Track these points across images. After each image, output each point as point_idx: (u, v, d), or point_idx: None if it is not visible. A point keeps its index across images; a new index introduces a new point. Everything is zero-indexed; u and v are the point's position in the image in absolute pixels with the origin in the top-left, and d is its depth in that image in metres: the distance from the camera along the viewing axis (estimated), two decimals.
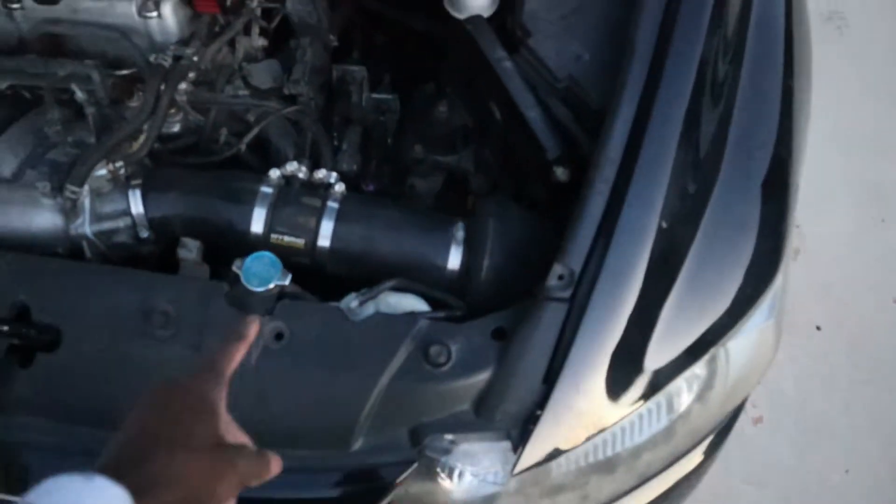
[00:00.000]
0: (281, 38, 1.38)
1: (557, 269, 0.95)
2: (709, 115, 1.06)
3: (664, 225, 0.98)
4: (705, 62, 1.05)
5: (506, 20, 1.19)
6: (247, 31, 1.31)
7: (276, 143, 1.27)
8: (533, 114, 1.10)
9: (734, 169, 1.04)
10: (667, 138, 1.01)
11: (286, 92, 1.28)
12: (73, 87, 1.15)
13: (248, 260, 1.00)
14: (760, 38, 1.11)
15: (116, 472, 0.58)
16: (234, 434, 0.71)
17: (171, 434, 0.65)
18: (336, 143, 1.35)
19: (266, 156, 1.28)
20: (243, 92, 1.27)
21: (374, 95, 1.42)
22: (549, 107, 1.13)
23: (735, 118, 1.06)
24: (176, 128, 1.24)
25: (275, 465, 0.71)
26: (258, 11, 1.29)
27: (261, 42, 1.34)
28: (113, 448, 0.63)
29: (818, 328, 2.13)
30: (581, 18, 1.14)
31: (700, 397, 1.06)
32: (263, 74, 1.31)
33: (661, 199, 0.98)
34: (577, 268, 0.95)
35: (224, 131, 1.27)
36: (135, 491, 0.57)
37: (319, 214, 1.10)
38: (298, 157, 1.25)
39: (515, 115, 1.12)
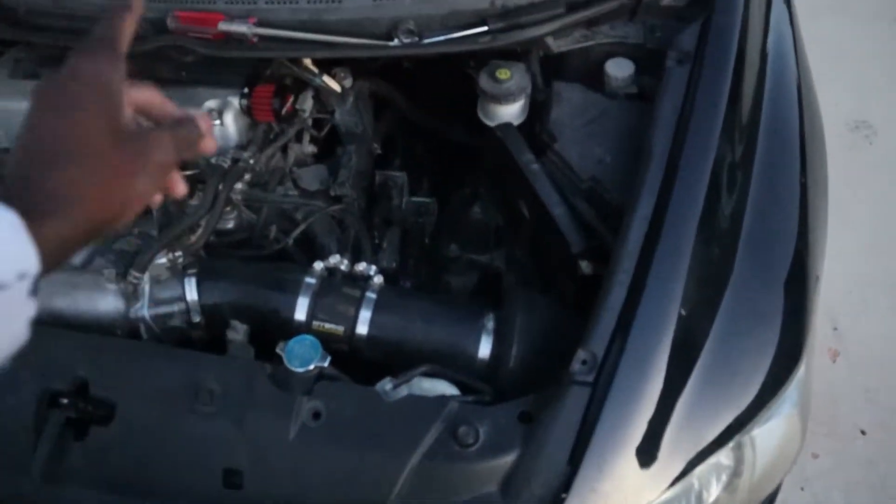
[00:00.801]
0: (329, 145, 1.51)
1: (581, 354, 0.99)
2: (723, 210, 1.12)
3: (683, 313, 1.03)
4: (718, 160, 1.13)
5: (534, 126, 1.29)
6: (298, 138, 1.44)
7: (321, 240, 1.37)
8: (559, 211, 1.18)
9: (750, 260, 1.10)
10: (683, 232, 1.07)
11: (332, 193, 1.39)
12: None
13: (291, 342, 1.07)
14: (772, 135, 1.19)
15: (6, 195, 0.50)
16: (138, 110, 0.63)
17: (67, 139, 0.55)
18: (377, 241, 1.44)
19: (311, 250, 1.37)
20: (293, 192, 1.38)
21: (414, 199, 1.52)
22: (573, 205, 1.20)
23: (749, 213, 1.12)
24: (230, 224, 1.35)
25: (202, 122, 0.65)
26: (310, 121, 1.42)
27: (311, 149, 1.46)
28: (9, 169, 0.54)
29: (863, 432, 2.09)
30: (602, 125, 1.23)
31: (728, 486, 1.07)
32: (312, 178, 1.42)
33: (680, 289, 1.04)
34: (600, 353, 1.00)
35: (274, 228, 1.37)
36: (33, 215, 0.50)
37: (358, 304, 1.18)
38: (341, 252, 1.34)
39: (543, 212, 1.20)
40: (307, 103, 1.39)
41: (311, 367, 1.06)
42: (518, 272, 1.39)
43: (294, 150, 1.44)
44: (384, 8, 1.23)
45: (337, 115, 1.44)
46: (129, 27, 0.64)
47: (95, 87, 0.58)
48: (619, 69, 1.27)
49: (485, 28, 1.23)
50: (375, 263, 1.37)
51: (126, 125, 0.60)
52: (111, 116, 0.58)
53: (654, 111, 1.17)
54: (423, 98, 1.55)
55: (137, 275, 1.18)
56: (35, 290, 0.50)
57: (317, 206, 1.34)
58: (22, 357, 0.53)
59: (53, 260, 0.52)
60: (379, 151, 1.53)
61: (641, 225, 1.08)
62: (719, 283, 1.07)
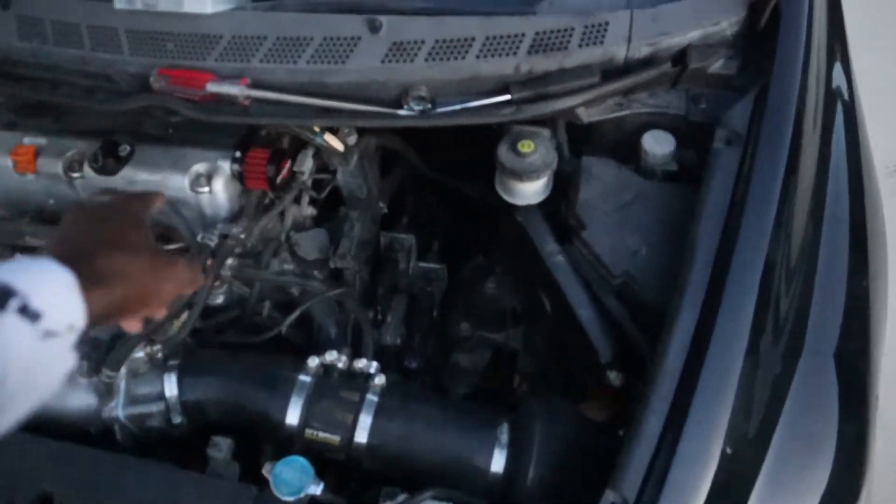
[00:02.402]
0: (330, 203, 1.37)
1: (610, 496, 0.86)
2: (778, 323, 0.98)
3: (728, 451, 0.89)
4: (773, 263, 0.98)
5: (559, 205, 1.15)
6: (297, 199, 1.30)
7: (319, 321, 1.23)
8: (586, 314, 1.04)
9: (807, 383, 0.95)
10: (732, 351, 0.93)
11: (332, 266, 1.26)
12: None
13: (279, 466, 0.95)
14: (832, 237, 1.04)
15: (63, 259, 0.59)
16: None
17: (112, 237, 0.67)
18: (380, 315, 1.31)
19: (308, 332, 1.24)
20: (288, 266, 1.25)
21: (422, 264, 1.39)
22: (602, 303, 1.07)
23: (807, 326, 0.98)
24: (220, 299, 1.22)
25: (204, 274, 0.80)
26: (309, 182, 1.28)
27: (310, 211, 1.33)
28: (56, 244, 0.65)
29: None
30: (637, 210, 1.09)
31: None
32: (310, 245, 1.29)
33: (726, 421, 0.90)
34: (632, 497, 0.86)
35: (268, 304, 1.24)
36: (83, 281, 0.58)
37: (357, 409, 1.05)
38: (340, 339, 1.22)
39: (567, 310, 1.07)
40: (306, 164, 1.25)
41: (302, 495, 0.93)
42: (535, 357, 1.25)
43: (291, 213, 1.30)
44: (393, 70, 1.09)
45: (339, 176, 1.30)
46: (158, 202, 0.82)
47: (133, 212, 0.75)
48: (657, 144, 1.12)
49: (507, 97, 1.09)
50: (378, 340, 1.25)
51: (159, 249, 0.74)
52: (146, 235, 0.73)
53: (700, 202, 1.02)
54: (435, 149, 1.40)
55: (111, 374, 1.05)
56: (77, 345, 0.57)
57: (315, 288, 1.20)
58: None
59: (92, 323, 0.59)
60: (385, 211, 1.39)
61: (683, 340, 0.94)
62: (771, 412, 0.92)
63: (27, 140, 1.25)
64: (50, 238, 0.68)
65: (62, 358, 0.57)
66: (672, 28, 1.09)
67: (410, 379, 1.29)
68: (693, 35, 1.10)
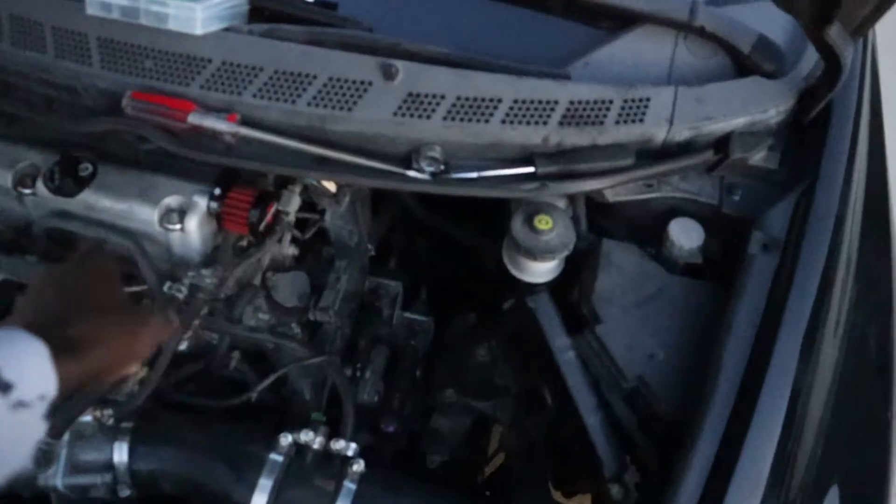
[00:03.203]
0: (313, 240, 1.24)
1: None
2: (803, 456, 0.90)
3: None
4: (802, 393, 0.90)
5: (572, 288, 1.05)
6: (278, 238, 1.17)
7: (294, 383, 1.12)
8: (592, 420, 0.95)
9: None
10: (755, 485, 0.85)
11: (311, 317, 1.14)
12: None
13: None
14: (857, 364, 0.97)
15: (34, 328, 0.59)
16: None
17: (83, 301, 0.67)
18: (359, 371, 1.19)
19: (280, 391, 1.13)
20: (263, 315, 1.12)
21: (407, 314, 1.28)
22: (610, 405, 0.97)
23: (833, 461, 0.91)
24: (184, 345, 1.09)
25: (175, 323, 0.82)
26: (293, 220, 1.15)
27: (291, 250, 1.20)
28: (27, 313, 0.65)
29: None
30: (658, 308, 0.99)
31: None
32: (289, 290, 1.16)
33: None
34: None
35: (236, 356, 1.12)
36: (55, 350, 0.59)
37: (333, 500, 0.94)
38: (315, 404, 1.10)
39: (571, 410, 0.97)
40: (292, 203, 1.11)
41: None
42: (522, 440, 1.16)
43: (271, 251, 1.16)
44: (406, 125, 0.96)
45: (327, 218, 1.17)
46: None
47: (102, 270, 0.75)
48: (685, 236, 1.02)
49: (531, 169, 0.97)
50: (355, 398, 1.14)
51: (130, 304, 0.76)
52: (118, 292, 0.74)
53: (730, 311, 0.93)
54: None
55: (50, 441, 0.92)
56: (49, 414, 0.57)
57: (292, 349, 1.08)
58: None
59: (63, 393, 0.59)
60: (373, 253, 1.27)
61: (699, 473, 0.86)
62: None
63: None
64: (20, 302, 0.68)
65: (32, 427, 0.57)
66: (717, 112, 0.99)
67: (385, 442, 1.18)
68: (738, 122, 1.00)
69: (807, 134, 1.04)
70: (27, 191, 1.06)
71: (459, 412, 1.23)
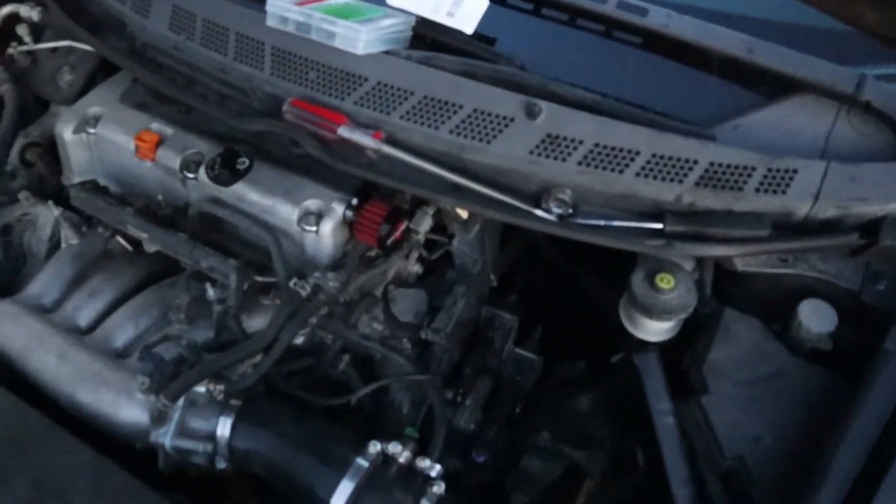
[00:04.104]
0: (439, 260, 1.27)
1: None
2: None
3: None
4: None
5: (683, 354, 1.01)
6: (406, 253, 1.21)
7: (394, 396, 1.15)
8: (682, 492, 0.91)
9: None
10: None
11: (423, 336, 1.16)
12: (207, 286, 1.10)
13: None
14: None
15: None
16: None
17: None
18: (461, 397, 1.21)
19: (380, 401, 1.16)
20: (377, 325, 1.16)
21: (518, 350, 1.28)
22: (704, 481, 0.93)
23: None
24: (300, 340, 1.15)
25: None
26: (422, 240, 1.19)
27: (416, 268, 1.24)
28: None
29: None
30: (773, 390, 0.94)
31: None
32: (407, 305, 1.20)
33: None
34: None
35: (345, 359, 1.17)
36: None
37: None
38: (411, 419, 1.13)
39: (662, 478, 0.94)
40: (424, 223, 1.15)
41: None
42: (611, 501, 1.12)
43: (396, 265, 1.21)
44: (541, 165, 0.97)
45: (455, 243, 1.20)
46: None
47: None
48: (817, 319, 0.96)
49: (659, 226, 0.95)
50: (453, 423, 1.15)
51: None
52: None
53: (852, 410, 0.87)
54: None
55: (167, 403, 1.00)
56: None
57: (398, 363, 1.12)
58: None
59: None
60: (494, 284, 1.29)
61: None
62: None
63: (154, 126, 1.22)
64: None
65: None
66: (871, 193, 0.93)
67: (473, 471, 1.19)
68: (894, 207, 0.93)
69: None
70: (191, 175, 1.17)
71: (552, 457, 1.20)
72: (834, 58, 1.00)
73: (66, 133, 1.25)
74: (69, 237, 1.24)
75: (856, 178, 0.93)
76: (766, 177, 0.93)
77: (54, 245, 1.27)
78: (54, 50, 1.38)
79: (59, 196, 1.29)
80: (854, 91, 0.95)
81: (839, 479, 0.84)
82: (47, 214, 1.27)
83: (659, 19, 1.02)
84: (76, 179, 1.27)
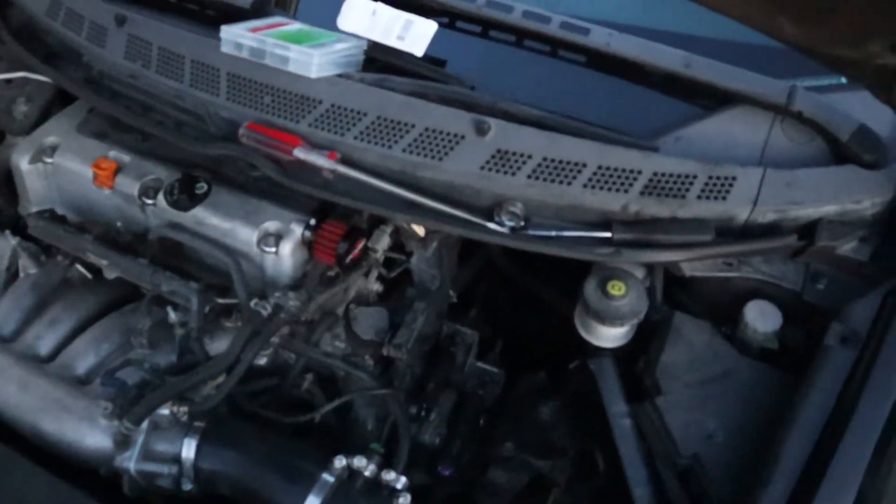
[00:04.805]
0: (399, 278, 1.30)
1: None
2: None
3: None
4: (866, 499, 0.85)
5: (637, 358, 1.05)
6: (365, 272, 1.23)
7: (358, 412, 1.16)
8: (641, 492, 0.94)
9: None
10: None
11: (385, 352, 1.18)
12: (169, 310, 1.10)
13: None
14: None
15: None
16: None
17: None
18: (424, 410, 1.22)
19: (344, 418, 1.17)
20: (340, 343, 1.18)
21: (480, 364, 1.30)
22: (662, 480, 0.96)
23: None
24: (262, 360, 1.16)
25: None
26: (381, 258, 1.21)
27: (376, 287, 1.26)
28: None
29: None
30: (723, 388, 0.97)
31: None
32: (368, 324, 1.22)
33: None
34: None
35: (309, 378, 1.18)
36: None
37: None
38: (375, 435, 1.14)
39: (621, 480, 0.96)
40: (382, 242, 1.18)
41: None
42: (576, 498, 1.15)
43: (357, 285, 1.23)
44: (491, 180, 1.00)
45: (413, 261, 1.23)
46: None
47: None
48: (762, 319, 1.00)
49: (608, 234, 0.99)
50: (418, 437, 1.17)
51: None
52: None
53: (798, 402, 0.90)
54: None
55: (130, 427, 1.00)
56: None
57: (361, 379, 1.13)
58: None
59: None
60: (454, 300, 1.31)
61: None
62: None
63: (112, 154, 1.22)
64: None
65: None
66: (806, 197, 0.98)
67: (440, 485, 1.20)
68: (828, 209, 0.98)
69: None
70: (149, 201, 1.18)
71: (517, 468, 1.22)
72: (768, 71, 1.05)
73: (23, 163, 1.25)
74: (27, 267, 1.24)
75: (791, 184, 0.98)
76: (707, 184, 0.97)
77: (12, 275, 1.27)
78: (9, 81, 1.38)
79: (17, 226, 1.29)
80: (787, 102, 1.00)
81: (789, 469, 0.87)
82: (4, 244, 1.26)
83: (600, 38, 1.07)
84: (33, 209, 1.27)
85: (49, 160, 1.24)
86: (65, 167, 1.25)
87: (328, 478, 1.01)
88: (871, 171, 1.00)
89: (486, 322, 1.35)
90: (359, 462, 1.02)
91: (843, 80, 1.08)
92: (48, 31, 1.29)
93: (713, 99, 1.06)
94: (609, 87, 1.12)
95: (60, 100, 1.36)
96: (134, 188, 1.19)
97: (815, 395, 0.91)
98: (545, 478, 1.22)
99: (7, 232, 1.26)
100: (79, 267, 1.24)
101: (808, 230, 0.98)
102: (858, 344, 0.93)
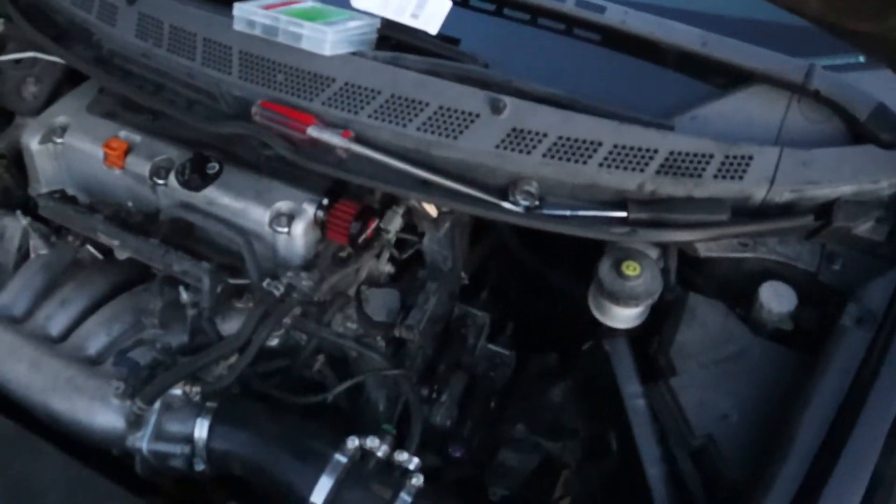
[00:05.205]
0: (410, 260, 1.29)
1: None
2: None
3: None
4: (879, 482, 0.85)
5: (651, 339, 1.04)
6: (377, 253, 1.23)
7: (370, 393, 1.16)
8: (655, 472, 0.93)
9: None
10: None
11: (396, 333, 1.18)
12: (181, 290, 1.10)
13: None
14: None
15: None
16: None
17: None
18: (435, 392, 1.22)
19: (356, 399, 1.17)
20: (351, 324, 1.17)
21: (491, 346, 1.30)
22: (675, 460, 0.95)
23: None
24: (274, 341, 1.16)
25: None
26: (393, 240, 1.21)
27: (388, 268, 1.25)
28: None
29: None
30: (738, 368, 0.97)
31: None
32: (380, 304, 1.21)
33: None
34: None
35: (321, 359, 1.18)
36: None
37: None
38: (387, 416, 1.14)
39: (635, 460, 0.96)
40: (394, 223, 1.17)
41: None
42: (586, 486, 1.15)
43: (368, 266, 1.22)
44: (506, 159, 1.00)
45: (426, 242, 1.22)
46: None
47: None
48: (777, 300, 1.00)
49: (623, 214, 0.98)
50: (429, 419, 1.17)
51: None
52: None
53: (813, 383, 0.90)
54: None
55: (143, 406, 1.00)
56: None
57: (373, 359, 1.13)
58: None
59: None
60: (466, 282, 1.31)
61: None
62: None
63: (122, 134, 1.22)
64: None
65: None
66: (823, 177, 0.97)
67: (451, 467, 1.20)
68: (845, 189, 0.97)
69: None
70: (160, 181, 1.17)
71: (528, 449, 1.22)
72: (785, 50, 1.04)
73: (33, 144, 1.25)
74: (38, 247, 1.24)
75: (808, 163, 0.97)
76: (723, 163, 0.97)
77: (23, 256, 1.26)
78: (17, 61, 1.38)
79: (27, 207, 1.29)
80: (804, 80, 1.00)
81: (803, 450, 0.87)
82: (15, 225, 1.26)
83: (616, 16, 1.06)
84: (44, 190, 1.27)
85: (59, 140, 1.24)
86: (75, 147, 1.24)
87: (341, 458, 1.01)
88: (890, 151, 0.99)
89: (498, 304, 1.35)
90: (371, 443, 1.02)
91: (861, 59, 1.07)
92: (57, 10, 1.29)
93: (730, 77, 1.05)
94: (624, 66, 1.11)
95: (70, 80, 1.36)
96: (145, 168, 1.18)
97: (830, 375, 0.91)
98: (556, 459, 1.23)
99: (18, 212, 1.25)
100: (89, 247, 1.24)
101: (825, 210, 0.97)
102: (874, 325, 0.93)
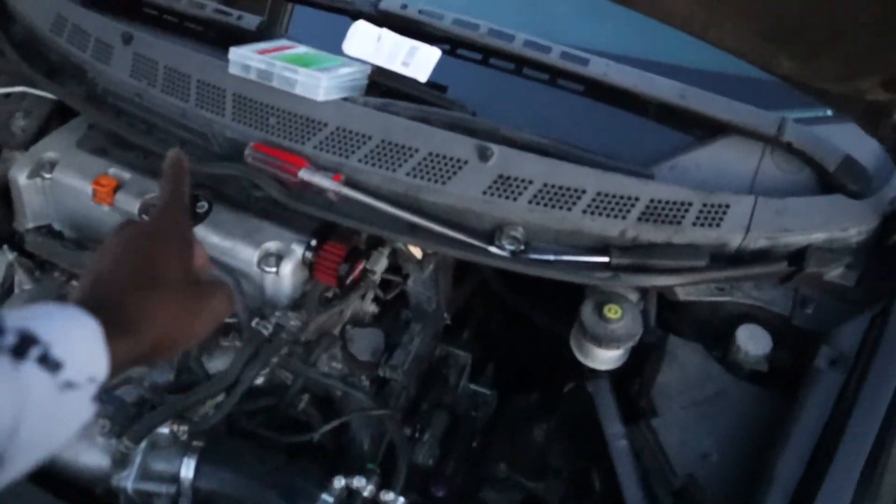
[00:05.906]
0: (394, 300, 1.31)
1: None
2: None
3: None
4: None
5: (633, 380, 1.07)
6: (361, 294, 1.24)
7: (355, 433, 1.17)
8: None
9: None
10: None
11: (381, 373, 1.19)
12: None
13: None
14: None
15: (91, 309, 0.56)
16: (205, 262, 0.72)
17: (145, 274, 0.63)
18: (418, 433, 1.23)
19: (341, 438, 1.18)
20: (336, 364, 1.19)
21: (473, 386, 1.32)
22: (658, 500, 0.98)
23: None
24: (260, 380, 1.16)
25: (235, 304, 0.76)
26: (377, 279, 1.23)
27: (372, 308, 1.27)
28: (86, 285, 0.62)
29: None
30: (717, 409, 1.00)
31: None
32: (364, 344, 1.23)
33: None
34: None
35: (306, 398, 1.18)
36: (109, 328, 0.56)
37: None
38: (372, 455, 1.15)
39: (617, 497, 0.98)
40: (380, 264, 1.20)
41: None
42: None
43: (353, 306, 1.24)
44: (493, 205, 1.03)
45: (410, 283, 1.25)
46: (185, 185, 0.72)
47: (175, 235, 0.67)
48: (752, 342, 1.03)
49: (606, 259, 1.02)
50: (411, 459, 1.17)
51: (196, 271, 0.67)
52: (186, 261, 0.66)
53: (789, 424, 0.93)
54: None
55: (129, 445, 1.00)
56: (97, 396, 0.55)
57: (358, 399, 1.14)
58: None
59: (115, 374, 0.56)
60: (448, 322, 1.33)
61: None
62: None
63: (112, 171, 1.23)
64: (83, 273, 0.66)
65: (80, 410, 0.54)
66: (796, 225, 1.01)
67: None
68: (817, 237, 1.02)
69: (888, 256, 1.05)
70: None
71: (510, 489, 1.24)
72: (758, 104, 1.09)
73: (21, 178, 1.25)
74: (23, 282, 1.24)
75: (782, 211, 1.02)
76: (701, 211, 1.01)
77: (6, 291, 1.26)
78: (7, 95, 1.39)
79: (12, 242, 1.29)
80: (776, 133, 1.04)
81: (783, 488, 0.89)
82: (1, 259, 1.26)
83: (599, 68, 1.10)
84: (30, 225, 1.27)
85: (48, 175, 1.25)
86: (64, 183, 1.25)
87: (328, 498, 1.02)
88: (857, 201, 1.04)
89: (479, 344, 1.37)
90: (358, 482, 1.03)
91: (829, 112, 1.13)
92: (51, 47, 1.30)
93: (707, 129, 1.09)
94: (606, 116, 1.15)
95: (59, 115, 1.37)
96: (134, 206, 1.19)
97: (806, 415, 0.94)
98: (538, 499, 1.24)
99: (4, 246, 1.25)
100: (76, 283, 1.24)
101: (798, 257, 1.02)
102: (847, 366, 0.97)
